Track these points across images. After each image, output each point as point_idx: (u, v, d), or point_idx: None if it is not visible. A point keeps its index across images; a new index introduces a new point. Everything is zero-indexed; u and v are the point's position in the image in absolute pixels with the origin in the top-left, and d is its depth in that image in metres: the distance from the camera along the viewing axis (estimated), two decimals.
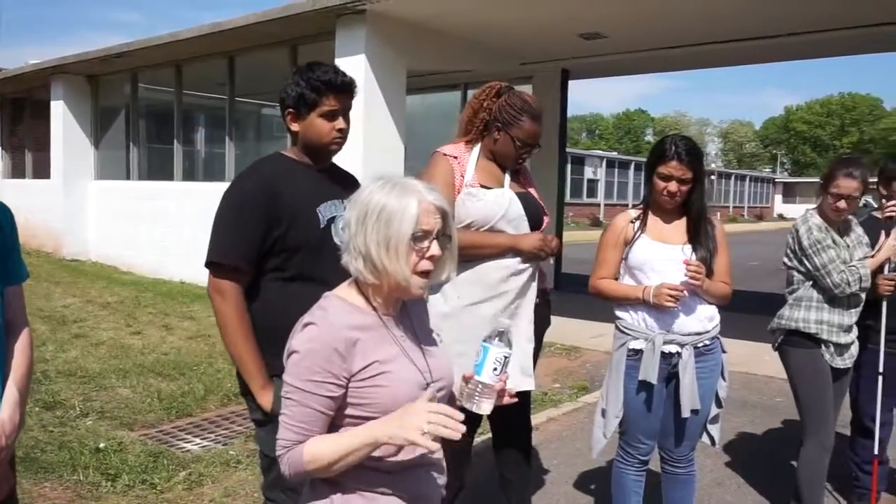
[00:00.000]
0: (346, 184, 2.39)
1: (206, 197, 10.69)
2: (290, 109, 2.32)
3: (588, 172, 37.63)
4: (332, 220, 2.28)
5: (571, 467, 4.22)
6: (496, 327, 1.62)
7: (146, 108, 13.38)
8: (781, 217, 52.14)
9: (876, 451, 3.48)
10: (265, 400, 2.22)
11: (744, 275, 13.30)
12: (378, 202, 1.54)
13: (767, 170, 69.14)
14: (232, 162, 10.79)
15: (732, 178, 55.68)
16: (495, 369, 1.58)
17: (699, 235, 2.82)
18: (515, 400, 1.69)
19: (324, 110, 2.28)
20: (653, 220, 2.89)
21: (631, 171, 41.77)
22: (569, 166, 35.81)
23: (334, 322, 1.54)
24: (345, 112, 2.34)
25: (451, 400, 1.73)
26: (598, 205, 38.19)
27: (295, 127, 2.33)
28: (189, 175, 12.20)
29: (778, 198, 59.16)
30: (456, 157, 2.89)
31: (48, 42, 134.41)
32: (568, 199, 34.33)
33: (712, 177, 51.83)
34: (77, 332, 7.32)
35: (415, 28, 8.29)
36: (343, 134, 2.36)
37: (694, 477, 3.02)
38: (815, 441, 3.26)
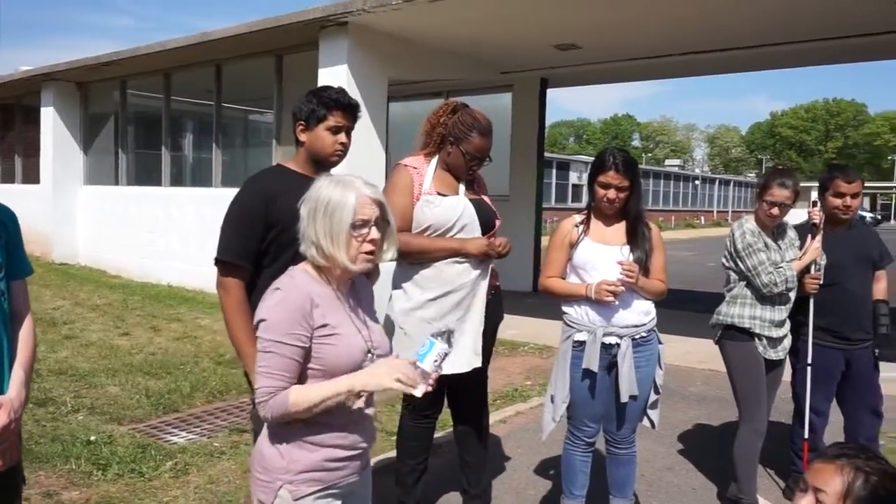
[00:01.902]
0: None
1: (193, 202, 11.01)
2: (301, 122, 2.65)
3: (573, 177, 38.01)
4: None
5: (533, 455, 4.50)
6: (442, 328, 1.91)
7: (135, 115, 13.60)
8: None
9: (806, 436, 3.78)
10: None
11: (717, 277, 13.62)
12: (324, 197, 1.86)
13: (752, 174, 69.82)
14: (219, 167, 11.03)
15: (717, 182, 56.24)
16: (435, 361, 1.85)
17: (636, 237, 3.12)
18: (431, 389, 1.90)
19: (330, 124, 2.62)
20: (595, 223, 3.20)
21: None
22: (554, 171, 36.19)
23: (300, 286, 1.87)
24: (348, 130, 2.69)
25: None
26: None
27: (303, 137, 2.66)
28: (176, 180, 12.43)
29: None
30: (416, 168, 3.21)
31: (39, 45, 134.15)
32: (553, 203, 34.75)
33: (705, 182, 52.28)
34: (67, 334, 7.55)
35: (396, 39, 8.54)
36: (344, 148, 2.70)
37: (635, 456, 3.32)
38: (748, 425, 3.57)
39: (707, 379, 6.48)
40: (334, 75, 8.02)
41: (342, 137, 2.66)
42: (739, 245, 3.55)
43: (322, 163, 2.68)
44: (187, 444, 4.55)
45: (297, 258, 2.50)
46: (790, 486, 3.93)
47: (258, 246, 2.57)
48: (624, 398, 3.08)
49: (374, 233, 1.89)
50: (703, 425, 5.24)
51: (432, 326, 3.06)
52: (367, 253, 1.89)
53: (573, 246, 3.18)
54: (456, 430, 3.52)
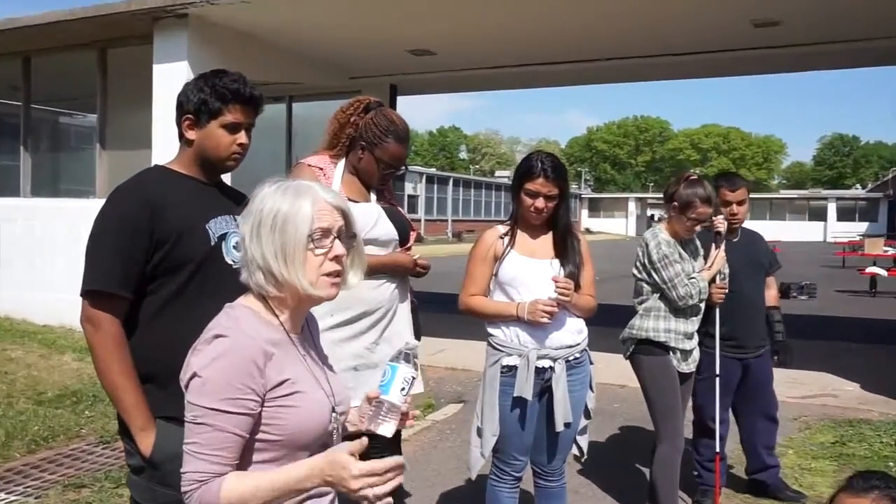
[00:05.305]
0: (237, 199, 2.20)
1: None
2: (189, 116, 2.14)
3: (408, 188, 38.20)
4: (223, 236, 2.12)
5: (429, 489, 4.13)
6: (402, 348, 1.57)
7: None
8: (588, 231, 56.05)
9: (717, 449, 3.71)
10: (144, 444, 1.98)
11: None
12: (271, 208, 1.43)
13: (574, 186, 74.15)
14: (28, 175, 9.60)
15: None
16: (402, 389, 1.53)
17: (566, 250, 2.85)
18: (415, 423, 1.61)
19: (227, 121, 2.12)
20: (521, 235, 2.89)
21: (449, 187, 43.06)
22: None
23: (249, 333, 1.41)
24: (248, 127, 2.18)
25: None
26: (419, 220, 38.87)
27: (191, 135, 2.15)
28: None
29: (584, 212, 63.51)
30: (321, 169, 2.79)
31: None
32: None
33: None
34: None
35: (241, 36, 7.93)
36: (243, 149, 2.20)
37: (565, 489, 3.05)
38: (668, 444, 3.42)
39: None
40: (173, 72, 7.26)
41: (241, 137, 2.16)
42: (655, 256, 3.40)
43: (214, 166, 2.19)
44: None
45: (191, 282, 2.06)
46: (698, 500, 3.85)
47: (143, 269, 2.02)
48: (559, 427, 2.79)
49: (339, 247, 1.46)
50: (593, 441, 5.09)
51: (351, 351, 2.71)
52: (330, 274, 1.46)
53: (498, 260, 2.85)
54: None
